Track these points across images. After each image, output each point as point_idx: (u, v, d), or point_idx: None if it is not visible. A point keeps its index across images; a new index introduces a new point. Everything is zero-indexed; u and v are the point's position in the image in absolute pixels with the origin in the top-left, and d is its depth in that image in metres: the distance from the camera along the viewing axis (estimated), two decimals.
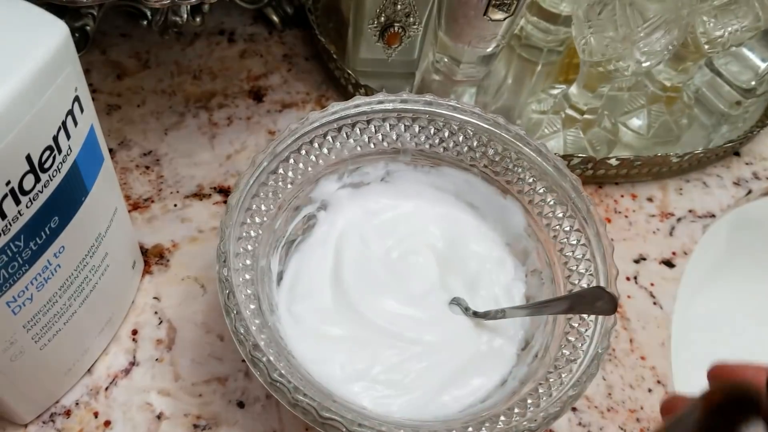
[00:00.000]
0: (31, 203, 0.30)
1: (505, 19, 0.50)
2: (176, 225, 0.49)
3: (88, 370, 0.43)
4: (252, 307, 0.36)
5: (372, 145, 0.43)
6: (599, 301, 0.35)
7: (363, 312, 0.40)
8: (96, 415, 0.42)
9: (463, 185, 0.44)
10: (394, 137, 0.43)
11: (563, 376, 0.35)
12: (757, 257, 0.57)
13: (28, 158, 0.29)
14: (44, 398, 0.41)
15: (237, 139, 0.54)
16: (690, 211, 0.55)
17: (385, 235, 0.44)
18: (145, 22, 0.54)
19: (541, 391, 0.35)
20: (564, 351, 0.36)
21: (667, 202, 0.55)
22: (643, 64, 0.45)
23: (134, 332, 0.45)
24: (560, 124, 0.54)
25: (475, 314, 0.40)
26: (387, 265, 0.42)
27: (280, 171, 0.40)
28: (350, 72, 0.54)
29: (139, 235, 0.48)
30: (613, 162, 0.52)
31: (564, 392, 0.34)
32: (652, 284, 0.51)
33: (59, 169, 0.31)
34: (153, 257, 0.48)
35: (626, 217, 0.54)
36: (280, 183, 0.40)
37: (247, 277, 0.37)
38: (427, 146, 0.43)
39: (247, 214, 0.38)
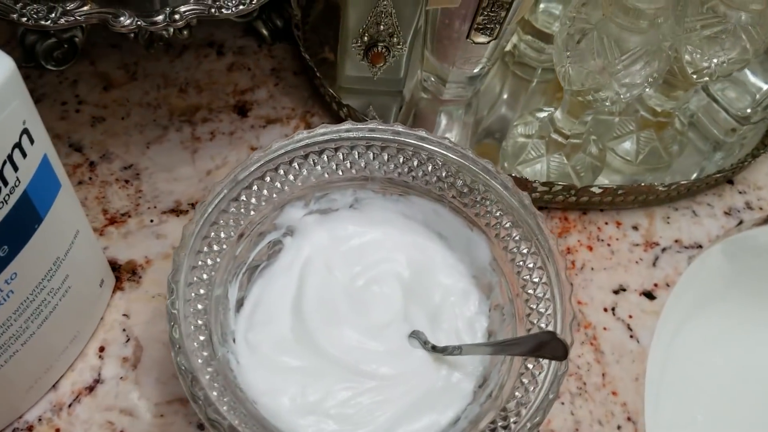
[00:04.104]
0: None
1: (489, 42, 0.49)
2: (151, 241, 0.49)
3: (53, 385, 0.44)
4: (201, 338, 0.36)
5: (340, 173, 0.42)
6: (551, 345, 0.34)
7: (320, 342, 0.40)
8: (57, 431, 0.42)
9: (432, 215, 0.43)
10: (363, 165, 0.42)
11: (511, 420, 0.34)
12: (744, 292, 0.55)
13: None
14: (6, 413, 0.42)
15: (219, 154, 0.54)
16: (676, 241, 0.53)
17: (351, 263, 0.43)
18: (132, 35, 0.55)
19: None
20: (516, 393, 0.36)
21: (652, 231, 0.54)
22: (623, 96, 0.43)
23: (101, 349, 0.45)
24: (545, 149, 0.53)
25: (434, 348, 0.40)
26: (351, 294, 0.42)
27: (242, 198, 0.40)
28: (332, 91, 0.53)
29: (114, 250, 0.49)
30: (596, 190, 0.51)
31: None
32: (630, 316, 0.50)
33: (6, 201, 0.32)
34: (126, 273, 0.48)
35: (608, 245, 0.53)
36: (242, 210, 0.40)
37: (200, 307, 0.36)
38: (396, 175, 0.43)
39: (204, 242, 0.38)
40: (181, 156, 0.53)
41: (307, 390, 0.38)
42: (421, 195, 0.43)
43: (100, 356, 0.45)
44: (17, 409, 0.42)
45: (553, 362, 0.35)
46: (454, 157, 0.42)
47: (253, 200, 0.40)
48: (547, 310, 0.38)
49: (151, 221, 0.50)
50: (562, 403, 0.46)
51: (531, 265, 0.40)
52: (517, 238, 0.40)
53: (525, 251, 0.40)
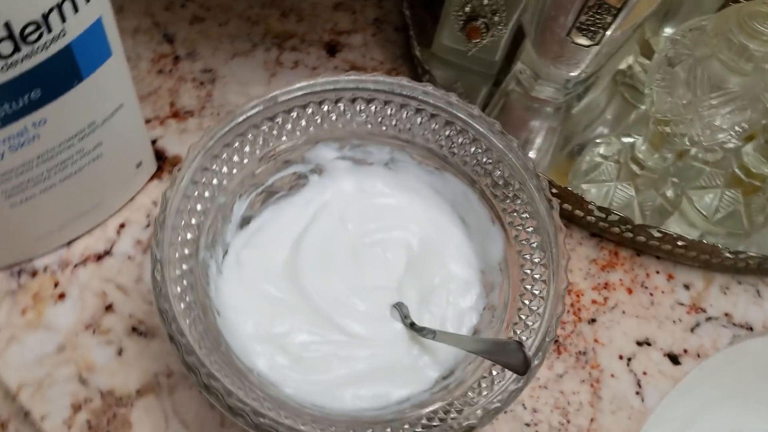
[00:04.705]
0: (8, 68, 0.32)
1: (589, 46, 0.46)
2: None
3: (68, 243, 0.46)
4: (189, 236, 0.36)
5: (383, 128, 0.41)
6: (514, 356, 0.32)
7: (304, 282, 0.39)
8: (56, 284, 0.45)
9: (461, 197, 0.42)
10: (407, 126, 0.41)
11: (450, 416, 0.33)
12: None
13: (7, 25, 0.31)
14: (15, 253, 0.44)
15: (294, 84, 0.54)
16: (726, 314, 0.48)
17: (367, 219, 0.42)
18: None
19: (424, 422, 0.33)
20: (469, 393, 0.34)
21: (704, 296, 0.49)
22: (703, 139, 0.39)
23: (122, 226, 0.47)
24: (616, 174, 0.49)
25: (412, 326, 0.38)
26: (354, 249, 0.41)
27: (278, 120, 0.40)
28: (418, 55, 0.52)
29: (166, 141, 0.50)
30: (655, 233, 0.47)
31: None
32: (644, 373, 0.46)
33: (46, 47, 0.33)
34: (169, 166, 0.50)
35: (651, 294, 0.49)
36: (274, 132, 0.40)
37: (198, 207, 0.37)
38: (437, 146, 0.41)
39: (225, 148, 0.38)
40: (260, 75, 0.54)
41: (275, 321, 0.38)
42: (456, 174, 0.41)
43: (118, 232, 0.47)
44: (27, 253, 0.45)
45: (514, 376, 0.33)
46: (499, 145, 0.40)
47: (288, 126, 0.40)
48: (533, 325, 0.35)
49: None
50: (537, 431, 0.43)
51: (537, 276, 0.37)
52: (534, 245, 0.38)
53: (537, 260, 0.38)
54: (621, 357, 0.46)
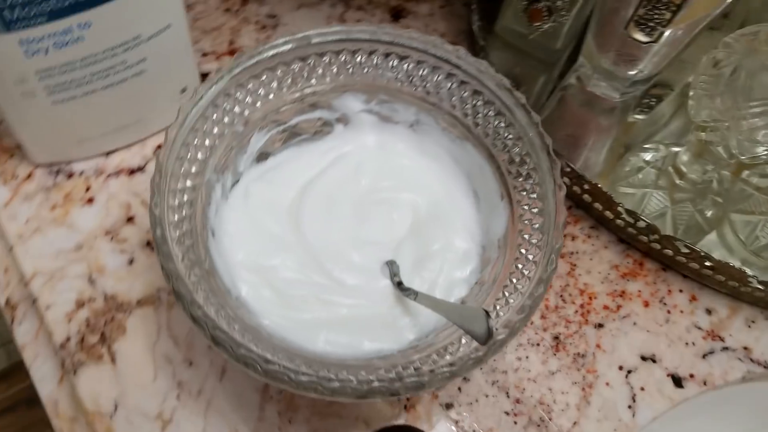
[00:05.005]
0: None
1: (647, 43, 0.45)
2: None
3: (107, 154, 0.48)
4: (199, 156, 0.37)
5: (413, 89, 0.41)
6: (477, 323, 0.31)
7: (304, 224, 0.40)
8: (87, 189, 0.47)
9: (477, 170, 0.41)
10: (435, 89, 0.41)
11: (406, 374, 0.32)
12: None
13: None
14: (56, 153, 0.47)
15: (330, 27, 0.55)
16: (745, 348, 0.46)
17: (382, 177, 0.42)
18: None
19: (381, 372, 0.33)
20: (434, 356, 0.34)
21: (725, 325, 0.46)
22: (738, 150, 0.37)
23: (158, 147, 0.49)
24: (654, 180, 0.47)
25: (399, 285, 0.38)
26: (361, 202, 0.41)
27: (309, 62, 0.40)
28: (475, 30, 0.52)
29: None
30: (681, 247, 0.45)
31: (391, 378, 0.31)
32: (642, 388, 0.44)
33: None
34: None
35: (668, 312, 0.46)
36: (304, 73, 0.41)
37: (216, 130, 0.38)
38: (462, 114, 0.41)
39: (252, 79, 0.39)
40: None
41: (267, 254, 0.39)
42: (476, 146, 0.41)
43: (155, 152, 0.49)
44: (67, 155, 0.47)
45: (471, 346, 0.32)
46: (523, 122, 0.39)
47: (320, 70, 0.41)
48: (512, 303, 0.35)
49: None
50: (515, 423, 0.42)
51: (530, 257, 0.36)
52: (536, 226, 0.37)
53: (534, 241, 0.37)
54: (621, 368, 0.44)
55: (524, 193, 0.38)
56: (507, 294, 0.35)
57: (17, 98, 0.41)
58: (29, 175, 0.47)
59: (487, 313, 0.31)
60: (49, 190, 0.47)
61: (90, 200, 0.47)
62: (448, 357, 0.33)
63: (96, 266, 0.45)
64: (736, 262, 0.47)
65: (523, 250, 0.37)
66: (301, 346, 0.36)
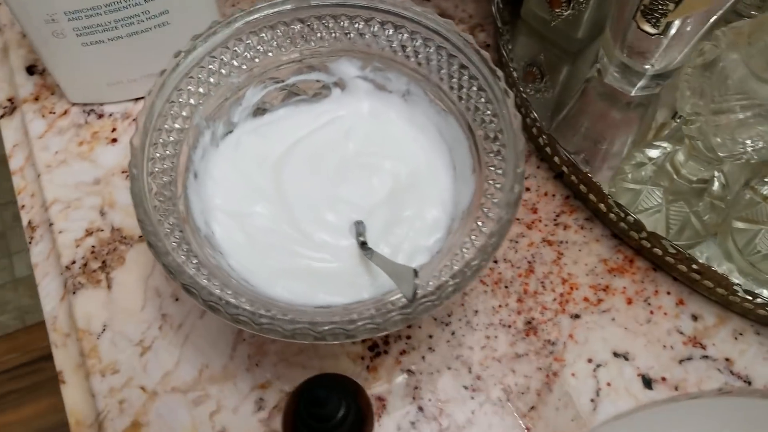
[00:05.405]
0: None
1: (654, 35, 0.44)
2: None
3: (135, 100, 0.52)
4: (191, 101, 0.40)
5: (406, 57, 0.42)
6: (407, 283, 0.32)
7: (285, 179, 0.42)
8: (113, 130, 0.51)
9: (457, 144, 0.42)
10: (426, 60, 0.42)
11: (339, 325, 0.34)
12: None
13: None
14: (89, 94, 0.51)
15: None
16: (727, 359, 0.44)
17: (370, 143, 0.44)
18: None
19: (318, 319, 0.34)
20: (372, 311, 0.35)
21: (710, 333, 0.45)
22: (716, 146, 0.36)
23: None
24: (651, 176, 0.46)
25: (362, 244, 0.40)
26: (345, 164, 0.43)
27: (309, 23, 0.42)
28: (496, 12, 0.52)
29: None
30: (668, 246, 0.43)
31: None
32: (608, 384, 0.43)
33: None
34: None
35: (651, 313, 0.45)
36: (303, 35, 0.43)
37: (212, 80, 0.41)
38: (448, 87, 0.41)
39: (250, 35, 0.41)
40: None
41: (246, 201, 0.41)
42: (458, 119, 0.41)
43: None
44: (99, 97, 0.52)
45: (398, 304, 0.34)
46: (500, 99, 0.39)
47: (318, 33, 0.43)
48: (458, 268, 0.35)
49: None
50: (472, 398, 0.43)
51: (484, 230, 0.37)
52: (496, 201, 0.37)
53: (491, 216, 0.37)
54: (590, 360, 0.44)
55: (492, 168, 0.39)
56: (454, 263, 0.36)
57: (49, 38, 0.45)
58: (65, 112, 0.52)
59: (416, 273, 0.32)
60: (81, 127, 0.51)
61: (114, 140, 0.51)
62: (381, 312, 0.34)
63: (109, 201, 0.49)
64: (733, 271, 0.45)
65: (479, 223, 0.37)
66: (258, 290, 0.38)
